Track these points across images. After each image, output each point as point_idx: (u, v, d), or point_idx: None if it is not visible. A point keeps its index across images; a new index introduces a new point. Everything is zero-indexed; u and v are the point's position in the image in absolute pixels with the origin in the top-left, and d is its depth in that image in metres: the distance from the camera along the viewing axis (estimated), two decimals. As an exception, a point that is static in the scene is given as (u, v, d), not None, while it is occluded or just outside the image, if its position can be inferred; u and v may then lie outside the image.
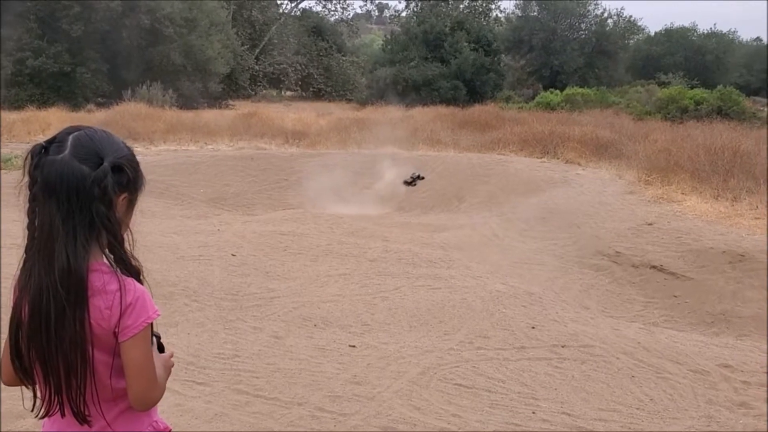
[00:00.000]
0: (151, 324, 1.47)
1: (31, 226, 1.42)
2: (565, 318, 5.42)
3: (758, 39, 63.70)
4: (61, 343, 1.39)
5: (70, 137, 1.43)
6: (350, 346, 4.54)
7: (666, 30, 47.86)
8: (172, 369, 1.65)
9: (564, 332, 4.95)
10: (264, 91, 42.43)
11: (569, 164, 13.27)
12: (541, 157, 14.06)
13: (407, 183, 12.48)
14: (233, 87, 36.43)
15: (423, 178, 12.56)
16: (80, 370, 1.41)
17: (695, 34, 47.18)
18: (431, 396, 3.78)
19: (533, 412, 3.64)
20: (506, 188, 11.60)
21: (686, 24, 49.30)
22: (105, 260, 1.45)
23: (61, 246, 1.38)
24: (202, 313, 5.13)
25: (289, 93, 44.61)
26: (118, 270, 1.46)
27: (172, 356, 1.65)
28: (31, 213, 1.42)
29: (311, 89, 42.53)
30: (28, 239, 1.43)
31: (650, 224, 8.55)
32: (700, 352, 4.60)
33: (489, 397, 3.82)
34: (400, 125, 17.83)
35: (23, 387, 1.50)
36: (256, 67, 40.16)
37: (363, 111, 26.60)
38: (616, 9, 55.71)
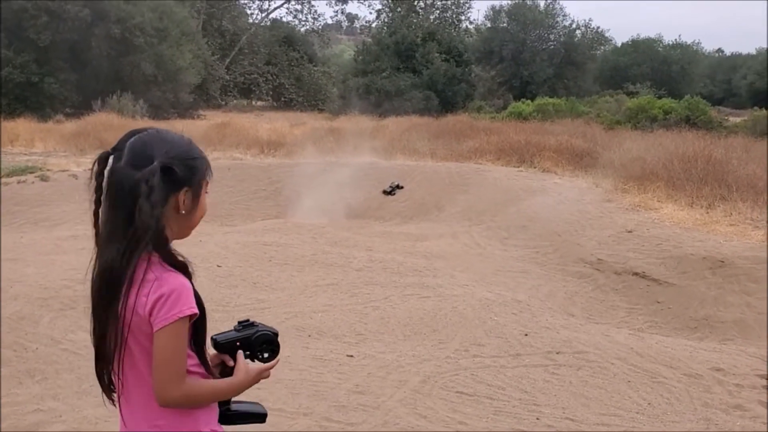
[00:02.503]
0: (189, 318, 1.48)
1: (94, 230, 1.54)
2: (556, 325, 5.47)
3: (720, 50, 65.46)
4: (102, 328, 1.51)
5: (128, 144, 1.50)
6: (348, 355, 4.53)
7: (632, 41, 48.88)
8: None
9: (557, 339, 5.00)
10: (235, 101, 42.22)
11: (546, 173, 13.43)
12: (518, 166, 14.20)
13: (386, 192, 12.50)
14: (204, 97, 36.17)
15: (402, 187, 12.60)
16: (112, 352, 1.50)
17: (661, 45, 48.27)
18: (435, 404, 3.78)
19: (537, 419, 3.67)
20: (485, 197, 11.69)
21: (652, 35, 50.30)
22: (151, 252, 1.49)
23: (108, 245, 1.48)
24: (194, 325, 5.07)
25: (260, 103, 44.45)
26: (165, 264, 1.50)
27: (272, 367, 1.65)
28: (94, 216, 1.53)
29: (283, 99, 42.42)
30: (95, 242, 1.54)
31: (630, 231, 8.69)
32: (691, 356, 4.68)
33: (492, 404, 3.84)
34: (376, 135, 17.88)
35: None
36: (227, 77, 39.97)
37: (336, 121, 26.59)
38: (584, 20, 56.70)
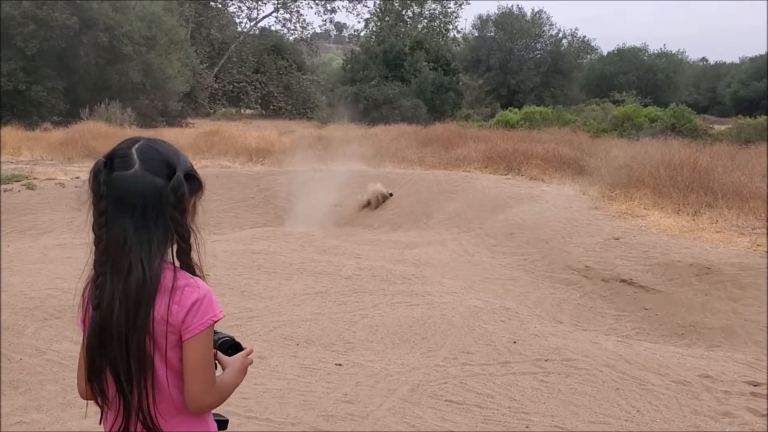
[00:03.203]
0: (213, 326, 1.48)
1: (99, 242, 1.42)
2: (545, 332, 5.48)
3: (704, 59, 66.16)
4: (131, 349, 1.40)
5: (134, 150, 1.44)
6: (336, 364, 4.51)
7: (618, 50, 49.33)
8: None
9: (545, 346, 5.01)
10: (223, 109, 42.18)
11: (534, 181, 13.49)
12: (506, 174, 14.25)
13: (372, 203, 12.49)
14: (192, 105, 36.08)
15: (391, 195, 12.60)
16: (145, 372, 1.41)
17: (646, 54, 48.74)
18: (424, 413, 3.77)
19: (526, 427, 3.67)
20: (473, 205, 11.71)
21: (637, 44, 50.82)
22: (171, 260, 1.47)
23: (137, 257, 1.40)
24: (181, 334, 5.03)
25: (248, 111, 44.42)
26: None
27: (250, 353, 1.64)
28: (99, 228, 1.42)
29: (271, 107, 42.42)
30: (96, 254, 1.43)
31: (617, 239, 8.72)
32: (679, 363, 4.70)
33: (480, 412, 3.83)
34: (365, 143, 17.89)
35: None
36: (216, 86, 39.93)
37: (325, 129, 26.61)
38: (571, 29, 57.14)
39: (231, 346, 1.61)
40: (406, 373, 4.39)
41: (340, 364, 4.51)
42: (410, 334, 5.27)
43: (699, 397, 4.11)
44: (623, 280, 7.56)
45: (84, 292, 1.49)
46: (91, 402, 1.53)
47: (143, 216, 1.41)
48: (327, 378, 4.24)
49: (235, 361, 1.59)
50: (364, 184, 12.81)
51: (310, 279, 7.10)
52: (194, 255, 1.50)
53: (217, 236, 10.35)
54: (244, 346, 1.65)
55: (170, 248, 1.47)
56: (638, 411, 3.92)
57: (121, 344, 1.40)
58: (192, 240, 1.50)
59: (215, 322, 1.47)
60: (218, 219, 11.95)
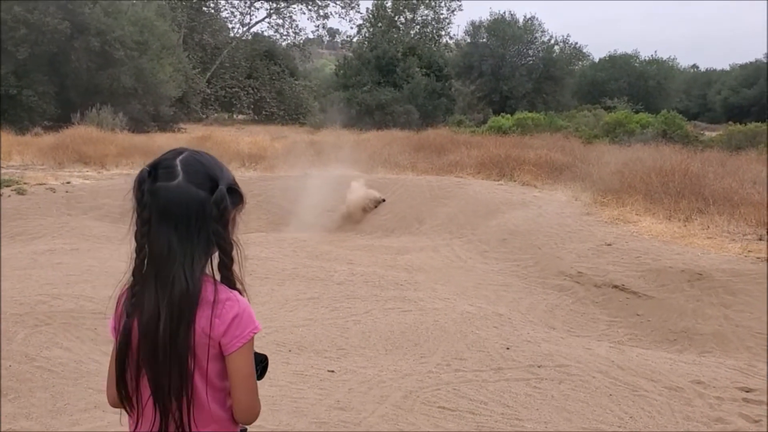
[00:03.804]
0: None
1: (140, 251, 1.43)
2: (537, 338, 5.48)
3: (695, 66, 66.62)
4: (173, 361, 1.40)
5: (178, 162, 1.45)
6: (329, 371, 4.49)
7: (610, 56, 49.60)
8: None
9: (538, 352, 5.00)
10: (215, 115, 42.12)
11: (526, 186, 13.52)
12: (498, 180, 14.28)
13: (366, 209, 12.48)
14: (184, 110, 36.01)
15: (384, 200, 12.59)
16: (185, 387, 1.42)
17: (637, 60, 49.02)
18: (417, 420, 3.75)
19: (519, 433, 3.65)
20: (466, 210, 11.72)
21: (629, 51, 51.11)
22: (211, 273, 1.49)
23: (180, 268, 1.41)
24: (173, 340, 5.00)
25: (241, 116, 44.39)
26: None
27: None
28: (142, 238, 1.43)
29: (264, 113, 42.40)
30: (137, 263, 1.44)
31: (609, 245, 8.75)
32: (671, 369, 4.70)
33: (474, 419, 3.82)
34: (357, 148, 17.89)
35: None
36: (208, 91, 39.90)
37: (318, 134, 26.60)
38: (562, 36, 57.43)
39: (259, 361, 1.61)
40: (399, 379, 4.37)
41: (332, 371, 4.49)
42: (403, 341, 5.26)
43: (691, 403, 4.12)
44: (615, 286, 7.58)
45: (119, 299, 1.50)
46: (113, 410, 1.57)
47: (187, 228, 1.42)
48: (319, 384, 4.22)
49: None
50: (356, 189, 12.80)
51: (303, 284, 7.08)
52: (235, 268, 1.52)
53: (209, 242, 10.32)
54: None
55: (210, 261, 1.48)
56: (631, 417, 3.92)
57: (165, 356, 1.41)
58: (234, 253, 1.51)
59: (255, 334, 1.50)
60: (210, 224, 11.92)
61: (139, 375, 1.44)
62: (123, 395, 1.46)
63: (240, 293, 1.53)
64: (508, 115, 28.68)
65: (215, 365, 1.46)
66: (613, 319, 6.99)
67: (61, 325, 5.09)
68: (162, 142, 19.17)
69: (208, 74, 40.89)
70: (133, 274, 1.45)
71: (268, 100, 42.21)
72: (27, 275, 6.80)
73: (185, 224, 1.42)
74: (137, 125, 26.28)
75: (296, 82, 43.76)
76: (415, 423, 3.72)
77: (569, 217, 10.45)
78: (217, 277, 1.51)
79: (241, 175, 14.63)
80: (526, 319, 6.58)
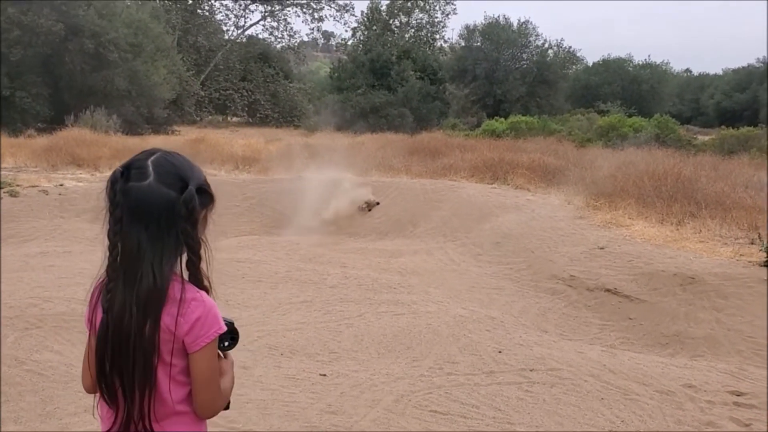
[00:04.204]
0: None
1: (113, 248, 1.48)
2: (530, 342, 5.48)
3: (688, 70, 66.92)
4: (136, 355, 1.46)
5: (150, 162, 1.50)
6: (321, 374, 4.48)
7: (603, 60, 49.78)
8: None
9: (531, 356, 5.00)
10: (210, 117, 42.06)
11: (519, 190, 13.54)
12: (492, 183, 14.30)
13: (362, 209, 12.48)
14: (178, 112, 35.94)
15: (378, 203, 12.59)
16: (147, 379, 1.47)
17: (631, 64, 49.23)
18: (409, 424, 3.75)
19: (510, 437, 3.65)
20: (459, 213, 11.74)
21: (622, 55, 51.31)
22: (179, 272, 1.54)
23: (148, 266, 1.46)
24: (164, 343, 4.98)
25: (235, 119, 44.34)
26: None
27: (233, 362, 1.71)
28: (114, 236, 1.48)
29: (258, 115, 42.36)
30: (109, 260, 1.49)
31: (602, 248, 8.77)
32: (663, 373, 4.71)
33: (465, 423, 3.82)
34: (352, 151, 17.88)
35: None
36: (202, 93, 39.83)
37: (312, 137, 26.57)
38: (556, 40, 57.61)
39: (227, 330, 1.63)
40: (391, 383, 4.37)
41: (324, 375, 4.48)
42: (395, 344, 5.25)
43: (683, 407, 4.12)
44: (608, 290, 7.59)
45: (93, 292, 1.55)
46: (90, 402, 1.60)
47: (157, 227, 1.47)
48: (311, 388, 4.21)
49: (227, 363, 1.66)
50: (352, 192, 12.80)
51: (296, 288, 7.06)
52: (203, 266, 1.57)
53: (202, 244, 10.29)
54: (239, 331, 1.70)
55: (179, 260, 1.53)
56: (622, 421, 3.93)
57: (128, 350, 1.46)
58: (202, 252, 1.57)
59: (219, 335, 1.55)
60: (203, 227, 11.88)
61: (114, 368, 1.49)
62: (104, 388, 1.51)
63: (207, 291, 1.57)
64: (502, 119, 28.76)
65: (179, 362, 1.52)
66: (605, 323, 7.01)
67: (51, 329, 5.07)
68: (155, 144, 19.11)
69: (203, 76, 40.84)
70: (107, 272, 1.50)
71: (262, 102, 42.18)
72: (18, 278, 6.76)
73: (155, 223, 1.46)
74: (131, 127, 26.21)
75: (291, 85, 43.75)
76: (407, 427, 3.71)
77: (562, 220, 10.48)
78: (187, 275, 1.55)
79: (235, 178, 14.62)
80: (518, 322, 6.59)
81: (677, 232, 9.50)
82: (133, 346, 1.46)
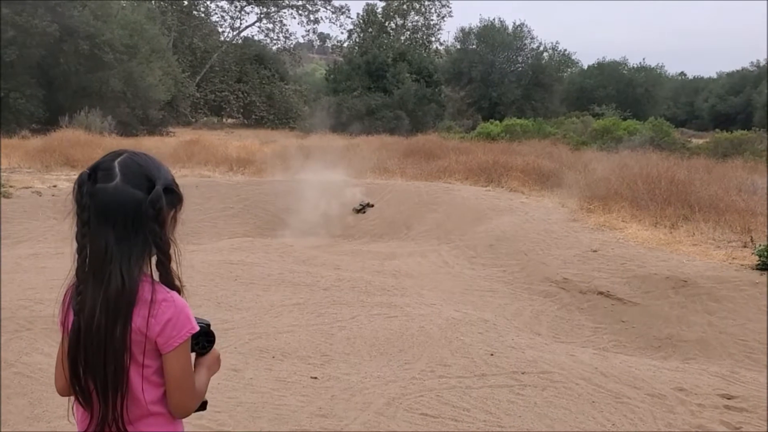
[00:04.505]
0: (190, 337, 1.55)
1: (82, 250, 1.48)
2: (522, 344, 5.48)
3: (683, 74, 67.13)
4: (108, 356, 1.46)
5: (117, 164, 1.50)
6: (312, 377, 4.46)
7: (598, 63, 49.90)
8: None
9: (522, 359, 5.00)
10: (205, 119, 41.99)
11: (513, 193, 13.56)
12: (486, 186, 14.31)
13: (356, 210, 12.49)
14: (174, 114, 35.89)
15: (372, 205, 12.60)
16: (120, 381, 1.48)
17: (626, 67, 49.36)
18: (399, 427, 3.74)
19: (501, 440, 3.65)
20: (453, 216, 11.75)
21: (617, 58, 51.44)
22: (149, 273, 1.53)
23: (116, 267, 1.45)
24: (155, 346, 4.96)
25: (230, 120, 44.28)
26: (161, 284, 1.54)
27: (218, 357, 1.71)
28: (82, 238, 1.48)
29: (253, 117, 42.34)
30: (78, 262, 1.49)
31: (595, 251, 8.78)
32: (654, 376, 4.72)
33: (456, 426, 3.81)
34: (347, 153, 17.88)
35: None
36: (197, 95, 39.79)
37: (307, 139, 26.55)
38: (552, 43, 57.73)
39: (202, 333, 1.63)
40: (382, 386, 4.36)
41: (315, 377, 4.46)
42: (388, 347, 5.24)
43: (674, 411, 4.13)
44: (601, 293, 7.60)
45: (65, 295, 1.55)
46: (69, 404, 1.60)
47: (124, 228, 1.47)
48: (302, 391, 4.20)
49: (203, 360, 1.66)
50: (345, 194, 12.80)
51: (288, 290, 7.04)
52: (173, 266, 1.56)
53: (195, 246, 10.25)
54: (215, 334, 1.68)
55: (149, 260, 1.53)
56: (613, 424, 3.92)
57: (100, 352, 1.46)
58: (171, 251, 1.55)
59: (192, 335, 1.54)
60: (197, 229, 11.86)
61: (87, 370, 1.50)
62: (78, 391, 1.51)
63: (179, 291, 1.56)
64: (497, 122, 28.79)
65: (153, 363, 1.52)
66: (598, 326, 7.02)
67: (42, 331, 5.04)
68: (150, 145, 19.11)
69: (198, 78, 40.80)
70: (76, 274, 1.50)
71: (258, 104, 42.15)
72: (10, 279, 6.73)
73: (122, 224, 1.46)
74: (126, 129, 26.18)
75: (286, 87, 43.74)
76: (398, 430, 3.70)
77: (556, 223, 10.49)
78: (157, 276, 1.55)
79: (229, 180, 14.60)
80: (511, 325, 6.58)
81: (670, 235, 9.52)
82: (104, 347, 1.45)
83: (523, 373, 4.70)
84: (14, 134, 22.08)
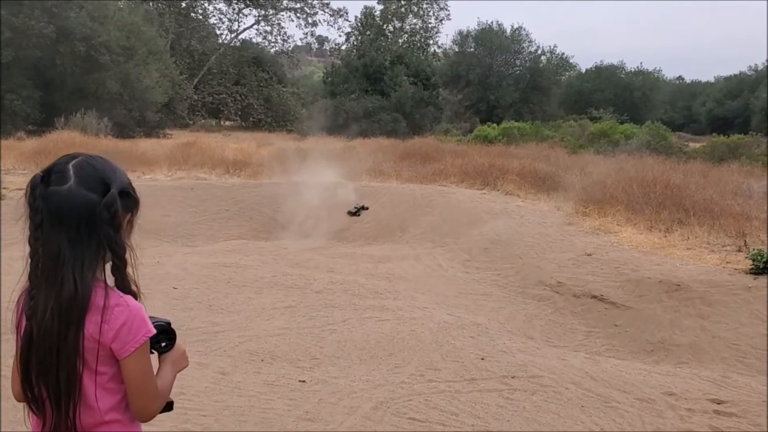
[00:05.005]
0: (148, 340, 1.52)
1: (34, 254, 1.46)
2: (513, 348, 5.46)
3: (680, 78, 67.23)
4: (60, 363, 1.43)
5: (71, 166, 1.47)
6: (300, 381, 4.44)
7: (596, 67, 49.97)
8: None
9: (513, 363, 4.98)
10: (203, 121, 41.97)
11: (509, 196, 13.53)
12: (482, 189, 14.29)
13: (351, 213, 12.46)
14: (171, 116, 35.86)
15: (367, 208, 12.57)
16: (72, 388, 1.45)
17: (623, 71, 49.43)
18: (385, 431, 3.71)
19: (488, 445, 3.63)
20: (448, 219, 11.72)
21: (615, 62, 51.52)
22: (103, 278, 1.50)
23: (69, 271, 1.43)
24: (144, 349, 4.93)
25: (228, 123, 44.27)
26: (116, 288, 1.51)
27: (184, 353, 1.69)
28: (35, 241, 1.45)
29: (251, 119, 42.32)
30: (31, 266, 1.47)
31: (589, 255, 8.76)
32: (644, 381, 4.70)
33: (443, 430, 3.79)
34: (343, 156, 17.85)
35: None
36: (195, 97, 39.77)
37: (304, 142, 26.52)
38: (549, 46, 57.73)
39: (163, 331, 1.62)
40: (371, 390, 4.34)
41: (303, 381, 4.44)
42: (378, 350, 5.22)
43: (662, 415, 4.11)
44: (594, 296, 7.59)
45: (19, 299, 1.53)
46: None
47: (77, 231, 1.44)
48: (289, 395, 4.17)
49: (167, 357, 1.64)
50: (340, 196, 12.77)
51: (281, 293, 7.02)
52: (129, 270, 1.53)
53: (189, 249, 10.24)
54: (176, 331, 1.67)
55: (103, 265, 1.50)
56: (602, 429, 3.90)
57: (52, 358, 1.43)
58: (127, 256, 1.52)
59: (148, 338, 1.51)
60: (192, 231, 11.84)
61: (39, 377, 1.47)
62: (29, 396, 1.49)
63: (135, 296, 1.54)
64: (495, 125, 28.80)
65: (108, 369, 1.49)
66: (591, 330, 7.00)
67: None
68: (146, 147, 19.08)
69: (196, 80, 40.78)
70: (29, 278, 1.47)
71: (255, 106, 42.13)
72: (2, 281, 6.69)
73: (76, 228, 1.43)
74: (123, 131, 26.14)
75: (284, 89, 43.72)
76: (384, 434, 3.68)
77: (551, 227, 10.47)
78: (113, 281, 1.53)
79: (225, 182, 14.57)
80: (504, 328, 6.57)
81: (665, 239, 9.51)
82: (57, 354, 1.43)
83: (513, 378, 4.68)
84: (10, 136, 22.04)
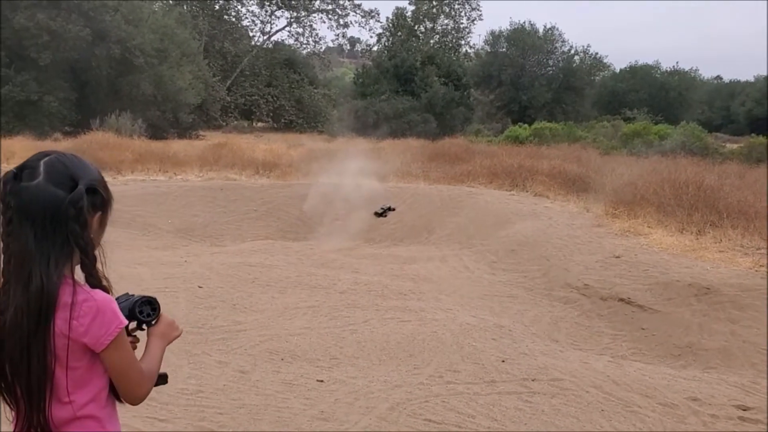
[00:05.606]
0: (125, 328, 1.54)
1: (6, 250, 1.47)
2: (535, 351, 5.39)
3: (719, 77, 65.83)
4: (31, 358, 1.45)
5: (42, 163, 1.49)
6: (318, 380, 4.45)
7: (630, 67, 49.17)
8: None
9: (534, 366, 4.92)
10: (235, 122, 42.44)
11: (538, 197, 13.40)
12: (510, 190, 14.18)
13: (378, 214, 12.47)
14: (204, 117, 36.32)
15: (393, 209, 12.57)
16: (44, 384, 1.46)
17: (658, 71, 48.55)
18: (400, 432, 3.70)
19: (503, 448, 3.59)
20: (476, 220, 11.65)
21: (650, 61, 50.63)
22: (71, 274, 1.51)
23: (36, 267, 1.45)
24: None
25: (260, 124, 44.68)
26: (86, 284, 1.52)
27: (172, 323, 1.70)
28: (7, 237, 1.47)
29: (282, 121, 42.64)
30: (4, 262, 1.48)
31: (618, 257, 8.62)
32: (668, 386, 4.60)
33: (459, 432, 3.76)
34: (372, 157, 17.86)
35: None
36: (228, 98, 40.20)
37: (334, 143, 26.64)
38: (583, 46, 57.05)
39: (145, 302, 1.64)
40: (388, 390, 4.32)
41: (321, 381, 4.45)
42: (398, 351, 5.21)
43: (685, 421, 4.02)
44: (621, 299, 7.46)
45: None
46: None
47: (43, 227, 1.45)
48: (306, 394, 4.18)
49: (154, 330, 1.66)
50: (368, 197, 12.78)
51: (304, 293, 7.05)
52: (99, 267, 1.54)
53: (217, 248, 10.35)
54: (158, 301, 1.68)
55: (72, 262, 1.50)
56: (621, 434, 3.83)
57: (23, 353, 1.44)
58: (97, 252, 1.53)
59: (122, 329, 1.52)
60: (220, 231, 11.98)
61: (12, 371, 1.48)
62: (5, 391, 1.50)
63: (106, 291, 1.55)
64: (526, 125, 28.55)
65: (81, 364, 1.50)
66: (617, 333, 6.88)
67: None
68: (178, 148, 19.34)
69: (229, 82, 41.24)
70: (3, 274, 1.49)
71: (287, 108, 42.45)
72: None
73: (42, 224, 1.45)
74: (156, 132, 26.57)
75: (315, 91, 43.98)
76: (398, 435, 3.67)
77: (579, 228, 10.34)
78: (83, 278, 1.54)
79: (254, 183, 14.70)
80: (528, 331, 6.49)
81: (696, 241, 9.32)
82: (28, 349, 1.44)
83: (533, 380, 4.63)
84: (47, 136, 22.55)
